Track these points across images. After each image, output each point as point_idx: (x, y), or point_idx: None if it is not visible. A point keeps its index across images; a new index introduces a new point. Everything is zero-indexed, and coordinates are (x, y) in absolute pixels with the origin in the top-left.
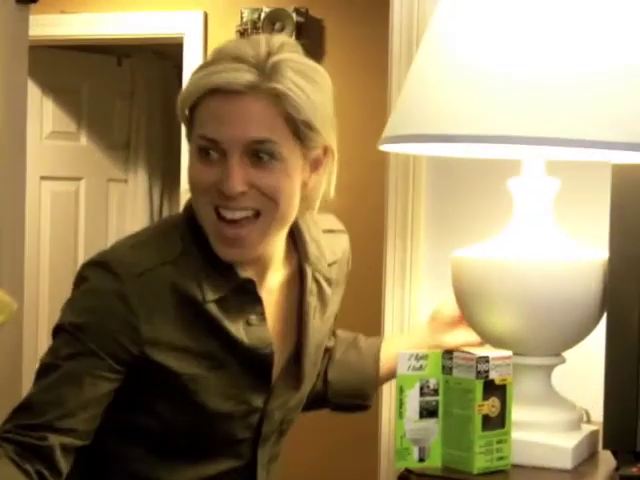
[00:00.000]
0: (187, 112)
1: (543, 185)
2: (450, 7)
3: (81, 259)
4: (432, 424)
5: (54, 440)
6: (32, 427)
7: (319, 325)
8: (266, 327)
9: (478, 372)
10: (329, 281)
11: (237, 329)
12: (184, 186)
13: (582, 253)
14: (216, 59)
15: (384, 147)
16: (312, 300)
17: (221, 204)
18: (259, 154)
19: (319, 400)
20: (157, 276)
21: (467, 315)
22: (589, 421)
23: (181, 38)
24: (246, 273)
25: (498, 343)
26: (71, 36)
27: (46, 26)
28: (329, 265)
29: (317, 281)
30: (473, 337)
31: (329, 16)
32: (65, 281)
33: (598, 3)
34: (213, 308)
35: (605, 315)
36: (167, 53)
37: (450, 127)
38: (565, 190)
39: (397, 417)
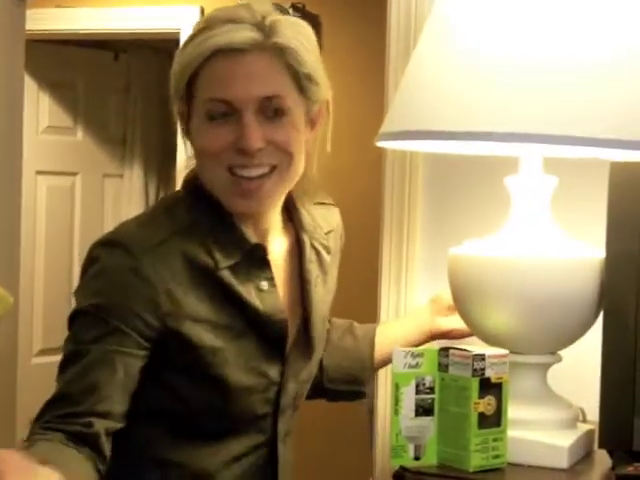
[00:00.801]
0: (184, 84)
1: (540, 183)
2: (447, 4)
3: (76, 254)
4: (428, 422)
5: (99, 425)
6: (74, 415)
7: (322, 294)
8: (277, 293)
9: (474, 370)
10: (327, 249)
11: (250, 296)
12: (180, 164)
13: (579, 251)
14: (211, 24)
15: (381, 143)
16: (313, 268)
17: (238, 164)
18: (270, 110)
19: (316, 388)
20: (168, 249)
21: (463, 312)
22: (585, 420)
23: (177, 33)
24: (253, 239)
25: (494, 341)
26: (67, 30)
27: (42, 20)
28: (326, 234)
29: (316, 249)
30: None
31: (326, 12)
32: (60, 275)
33: (599, 2)
34: (226, 275)
35: (602, 313)
36: (163, 48)
37: (447, 124)
38: (563, 188)
39: (393, 414)
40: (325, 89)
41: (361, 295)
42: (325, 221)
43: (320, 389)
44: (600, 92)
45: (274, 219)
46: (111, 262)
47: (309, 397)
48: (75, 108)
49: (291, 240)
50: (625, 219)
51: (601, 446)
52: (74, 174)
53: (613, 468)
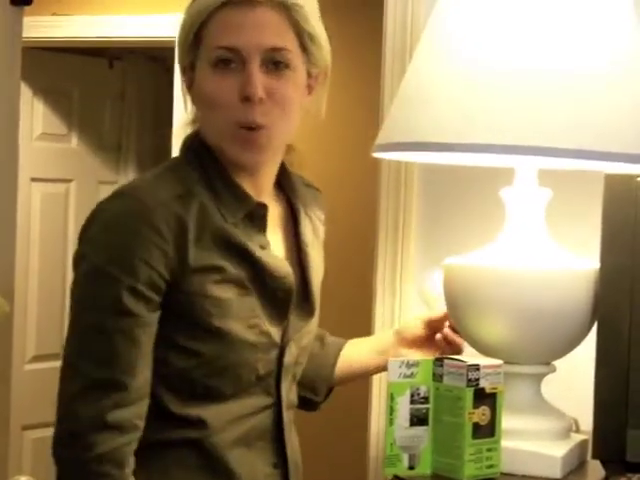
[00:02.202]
0: (193, 33)
1: (535, 194)
2: (443, 17)
3: (71, 261)
4: (422, 431)
5: (144, 407)
6: (125, 404)
7: (319, 262)
8: (274, 253)
9: (469, 380)
10: (320, 219)
11: (257, 251)
12: (176, 124)
13: (573, 263)
14: None
15: (377, 154)
16: (307, 232)
17: (242, 116)
18: (275, 62)
19: None
20: (178, 203)
21: (458, 323)
22: (578, 430)
23: (172, 41)
24: (255, 198)
25: (489, 351)
26: (62, 38)
27: (37, 28)
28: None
29: (309, 217)
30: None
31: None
32: (55, 283)
33: (594, 14)
34: (234, 230)
35: (595, 325)
36: (158, 56)
37: (443, 136)
38: (557, 200)
39: (387, 424)
40: (326, 52)
41: (356, 306)
42: (314, 201)
43: None
44: (594, 105)
45: (269, 180)
46: (123, 212)
47: None
48: (70, 115)
49: (284, 207)
50: (619, 231)
51: (594, 456)
52: (69, 181)
53: (606, 478)
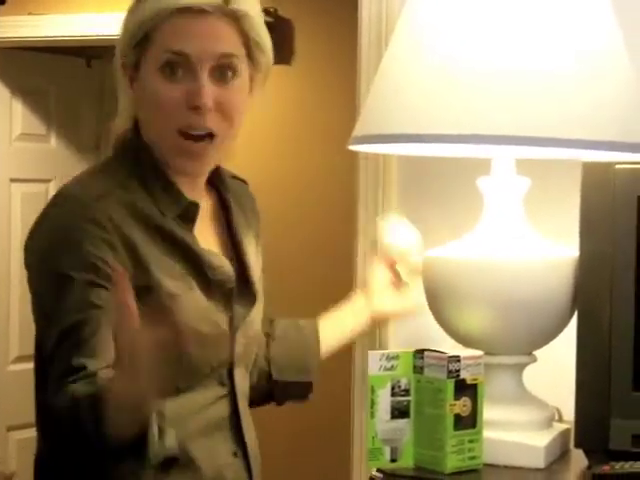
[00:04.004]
0: (141, 36)
1: (512, 184)
2: (417, 7)
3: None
4: (404, 424)
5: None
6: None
7: (253, 251)
8: (206, 247)
9: (449, 371)
10: (252, 210)
11: (196, 247)
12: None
13: (552, 252)
14: None
15: (354, 147)
16: (240, 221)
17: (188, 124)
18: (223, 71)
19: (264, 389)
20: (114, 199)
21: (438, 314)
22: (561, 420)
23: None
24: (188, 196)
25: (469, 342)
26: (39, 37)
27: (14, 28)
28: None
29: (241, 208)
30: (401, 303)
31: (298, 15)
32: None
33: (568, 5)
34: (172, 224)
35: (576, 313)
36: None
37: (419, 127)
38: (536, 189)
39: (368, 417)
40: (268, 57)
41: (336, 299)
42: (243, 193)
43: (267, 389)
44: (571, 93)
45: (204, 178)
46: (63, 215)
47: (258, 402)
48: (48, 115)
49: (214, 201)
50: (598, 219)
51: (577, 445)
52: (48, 181)
53: (589, 467)
